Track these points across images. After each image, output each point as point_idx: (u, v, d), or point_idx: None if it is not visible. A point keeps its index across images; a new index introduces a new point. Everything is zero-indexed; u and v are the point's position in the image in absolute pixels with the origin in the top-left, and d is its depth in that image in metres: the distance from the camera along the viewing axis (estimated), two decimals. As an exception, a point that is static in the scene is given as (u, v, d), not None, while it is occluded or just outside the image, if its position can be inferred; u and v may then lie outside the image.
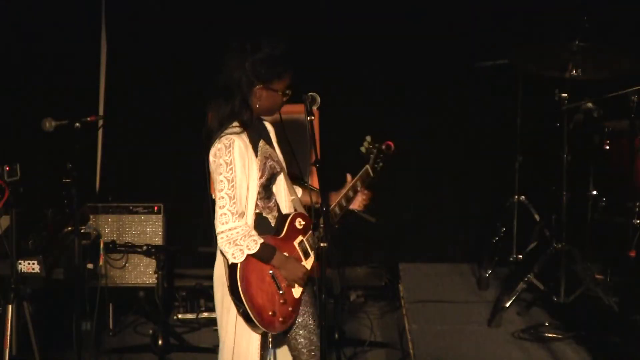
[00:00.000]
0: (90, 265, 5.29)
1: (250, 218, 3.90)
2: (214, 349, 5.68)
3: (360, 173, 4.08)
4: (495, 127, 6.49)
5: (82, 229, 5.13)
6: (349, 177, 4.11)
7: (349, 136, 6.23)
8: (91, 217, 5.94)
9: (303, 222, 4.01)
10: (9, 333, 4.69)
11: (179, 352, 5.63)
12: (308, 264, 3.98)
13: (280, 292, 3.91)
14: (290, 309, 3.94)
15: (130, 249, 5.92)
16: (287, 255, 3.93)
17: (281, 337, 4.05)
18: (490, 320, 5.60)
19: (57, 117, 4.70)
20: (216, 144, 3.85)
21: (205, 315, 6.15)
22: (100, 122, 5.85)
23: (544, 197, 6.05)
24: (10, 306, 4.69)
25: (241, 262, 3.83)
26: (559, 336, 5.41)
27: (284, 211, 4.06)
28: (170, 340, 5.60)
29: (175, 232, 6.28)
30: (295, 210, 4.05)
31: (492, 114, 6.48)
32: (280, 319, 3.92)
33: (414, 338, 5.41)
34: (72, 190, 4.68)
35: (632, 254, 5.28)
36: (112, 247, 5.88)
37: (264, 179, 3.94)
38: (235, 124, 3.88)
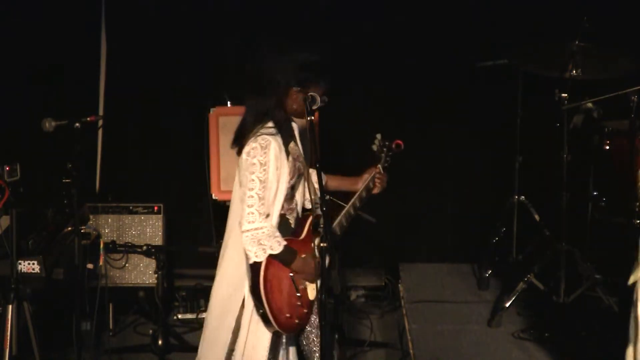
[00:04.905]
0: (90, 265, 5.29)
1: (275, 219, 3.92)
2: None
3: (372, 175, 4.28)
4: (495, 127, 6.48)
5: (82, 229, 5.13)
6: (363, 176, 4.26)
7: (349, 136, 6.28)
8: (91, 217, 5.94)
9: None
10: (9, 333, 4.69)
11: (179, 352, 5.63)
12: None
13: (298, 294, 3.93)
14: (305, 310, 3.98)
15: (130, 249, 5.92)
16: (304, 257, 3.95)
17: (294, 337, 4.10)
18: (490, 320, 5.60)
19: (57, 117, 4.70)
20: (251, 143, 3.86)
21: (205, 315, 6.14)
22: (100, 122, 5.86)
23: (544, 197, 6.05)
24: (10, 306, 4.68)
25: (264, 264, 3.85)
26: (559, 336, 5.41)
27: (300, 211, 4.07)
28: (170, 340, 5.60)
29: (175, 232, 6.28)
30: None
31: (492, 114, 6.47)
32: (296, 320, 3.95)
33: (414, 338, 5.41)
34: (72, 190, 4.68)
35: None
36: (112, 247, 5.88)
37: (293, 180, 3.96)
38: (270, 124, 3.91)
